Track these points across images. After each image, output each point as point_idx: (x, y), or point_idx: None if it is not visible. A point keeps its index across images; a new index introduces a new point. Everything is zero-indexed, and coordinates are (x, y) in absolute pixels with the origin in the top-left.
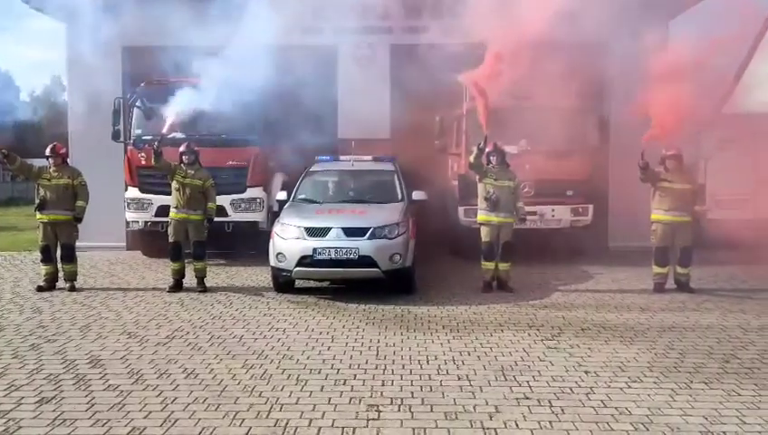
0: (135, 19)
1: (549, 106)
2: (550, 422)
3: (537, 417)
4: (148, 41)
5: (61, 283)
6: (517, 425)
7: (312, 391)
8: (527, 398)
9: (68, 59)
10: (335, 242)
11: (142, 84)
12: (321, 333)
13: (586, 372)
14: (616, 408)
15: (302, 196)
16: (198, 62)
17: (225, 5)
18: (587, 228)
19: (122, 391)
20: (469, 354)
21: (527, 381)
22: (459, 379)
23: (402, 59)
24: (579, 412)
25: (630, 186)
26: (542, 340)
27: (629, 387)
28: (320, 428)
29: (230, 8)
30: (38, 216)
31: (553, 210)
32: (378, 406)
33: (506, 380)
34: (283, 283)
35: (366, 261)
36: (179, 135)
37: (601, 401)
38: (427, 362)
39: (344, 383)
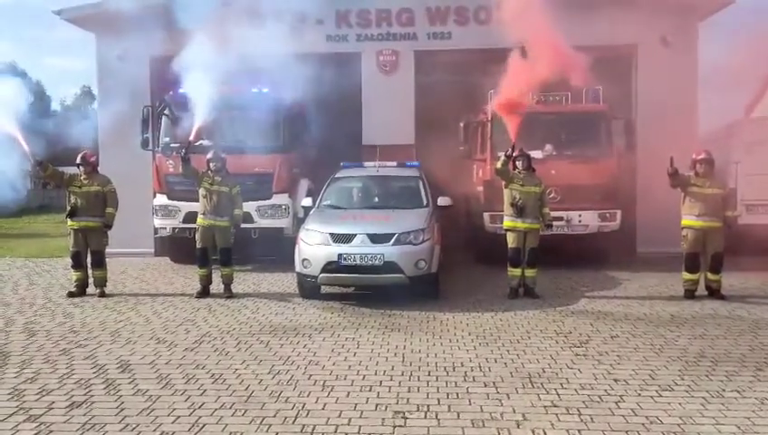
0: (163, 29)
1: (575, 111)
2: (579, 431)
3: (566, 425)
4: (176, 50)
5: (91, 289)
6: (545, 433)
7: (338, 398)
8: (555, 406)
9: (98, 68)
10: (360, 248)
11: (170, 93)
12: (346, 339)
13: (615, 380)
14: (647, 417)
15: (328, 202)
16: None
17: (249, 15)
18: (615, 234)
19: (151, 396)
20: (496, 361)
21: (555, 389)
22: (486, 386)
23: (426, 65)
24: (608, 421)
25: (658, 190)
26: (570, 347)
27: (660, 396)
28: (346, 434)
29: (254, 17)
30: (69, 223)
31: (580, 216)
32: (404, 413)
33: (534, 387)
34: (309, 289)
35: (391, 267)
36: (206, 142)
37: (632, 409)
38: (454, 368)
39: (370, 390)
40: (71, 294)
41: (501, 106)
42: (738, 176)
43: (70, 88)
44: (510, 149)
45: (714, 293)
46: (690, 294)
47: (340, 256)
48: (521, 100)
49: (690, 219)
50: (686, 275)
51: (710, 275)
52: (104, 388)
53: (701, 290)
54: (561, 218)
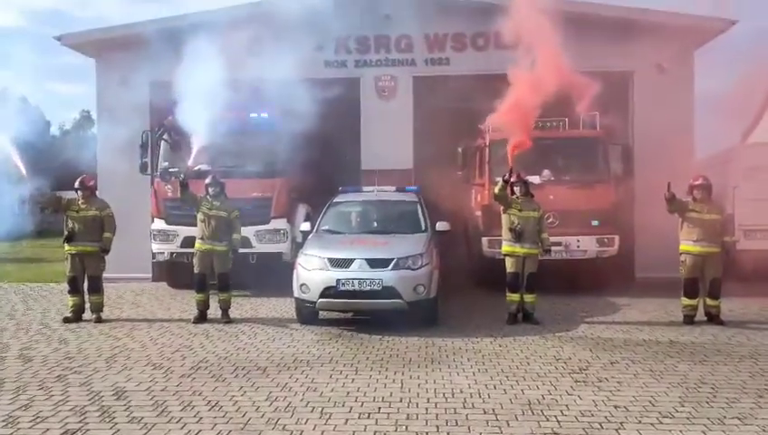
0: (162, 55)
1: (572, 137)
2: None
3: None
4: (176, 76)
5: (87, 314)
6: None
7: (335, 425)
8: (556, 433)
9: (98, 93)
10: (358, 273)
11: (169, 118)
12: (344, 365)
13: (616, 407)
14: None
15: (326, 227)
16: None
17: (248, 41)
18: (613, 259)
19: (146, 424)
20: (495, 388)
21: (555, 416)
22: (485, 413)
23: (425, 90)
24: None
25: (656, 215)
26: (570, 373)
27: (661, 423)
28: None
29: (253, 43)
30: (66, 247)
31: (579, 241)
32: None
33: (534, 414)
34: (307, 314)
35: (389, 292)
36: (205, 167)
37: None
38: (453, 395)
39: (368, 417)
40: (66, 320)
41: (505, 124)
42: (736, 201)
43: (69, 112)
44: (507, 174)
45: (713, 318)
46: (689, 320)
47: (338, 281)
48: (522, 124)
49: (688, 245)
50: (685, 301)
51: (709, 301)
52: (99, 415)
53: (700, 316)
54: (559, 244)
